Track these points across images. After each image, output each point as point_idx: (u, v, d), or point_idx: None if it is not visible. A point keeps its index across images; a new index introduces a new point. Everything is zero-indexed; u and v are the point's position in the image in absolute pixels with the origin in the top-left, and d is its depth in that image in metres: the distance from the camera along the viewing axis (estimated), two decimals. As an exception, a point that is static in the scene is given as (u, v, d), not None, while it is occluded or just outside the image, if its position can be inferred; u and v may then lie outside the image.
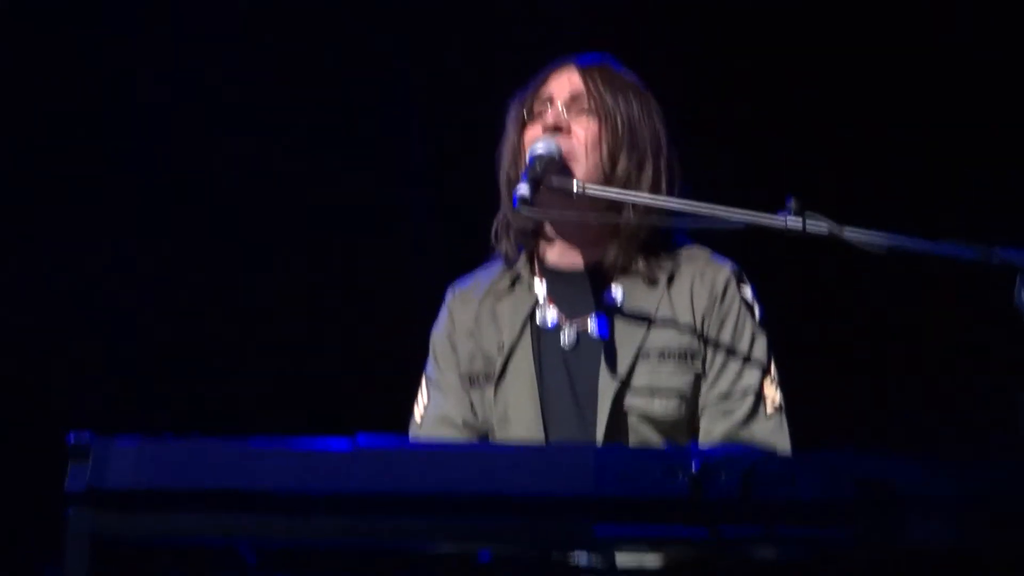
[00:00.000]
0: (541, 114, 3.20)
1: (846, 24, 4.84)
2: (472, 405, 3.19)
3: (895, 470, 2.16)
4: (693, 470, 2.19)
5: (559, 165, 3.10)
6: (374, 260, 5.01)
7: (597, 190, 3.07)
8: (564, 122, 3.17)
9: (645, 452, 2.35)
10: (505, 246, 3.25)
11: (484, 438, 3.17)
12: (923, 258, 2.66)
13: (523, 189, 3.00)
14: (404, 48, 5.05)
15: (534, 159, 3.08)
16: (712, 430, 3.09)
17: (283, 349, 4.95)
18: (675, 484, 2.20)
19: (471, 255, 3.41)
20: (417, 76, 5.06)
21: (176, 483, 2.20)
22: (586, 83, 3.20)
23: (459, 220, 4.68)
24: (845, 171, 4.77)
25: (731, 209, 2.80)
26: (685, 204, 2.95)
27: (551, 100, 3.21)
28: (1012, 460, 2.14)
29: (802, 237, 2.71)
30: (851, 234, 2.67)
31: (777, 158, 4.75)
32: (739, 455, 2.21)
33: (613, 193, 3.09)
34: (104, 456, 2.19)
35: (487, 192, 3.28)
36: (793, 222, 2.70)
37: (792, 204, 2.70)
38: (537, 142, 3.12)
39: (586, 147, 3.15)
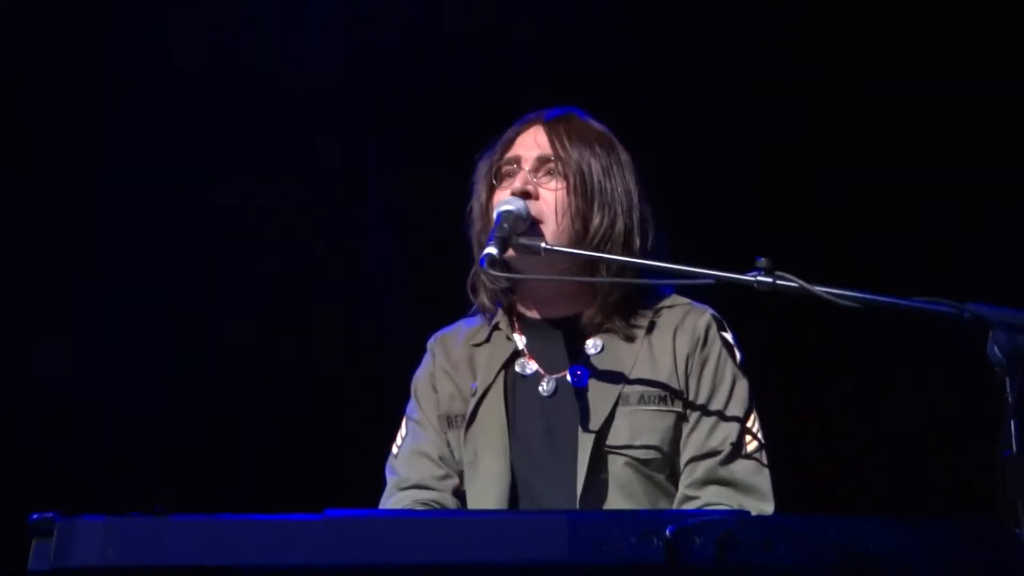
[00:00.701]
0: (509, 176, 3.19)
1: (817, 39, 4.86)
2: (449, 444, 3.19)
3: (872, 534, 2.14)
4: (668, 535, 2.17)
5: (527, 222, 3.09)
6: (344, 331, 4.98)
7: (564, 250, 3.05)
8: (532, 187, 3.16)
9: (619, 517, 2.32)
10: (483, 298, 3.25)
11: (460, 475, 3.17)
12: (895, 314, 2.65)
13: (491, 248, 2.98)
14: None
15: (501, 216, 3.07)
16: (694, 471, 3.07)
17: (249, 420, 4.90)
18: (650, 550, 2.17)
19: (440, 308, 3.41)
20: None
21: (143, 560, 2.16)
22: (552, 143, 3.19)
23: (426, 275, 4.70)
24: (816, 183, 4.77)
25: (701, 269, 2.79)
26: (656, 263, 2.96)
27: (518, 162, 3.20)
28: (993, 523, 2.13)
29: (774, 295, 2.70)
30: (822, 292, 2.66)
31: (749, 171, 4.74)
32: (715, 519, 2.19)
33: (580, 252, 3.07)
34: (69, 534, 2.16)
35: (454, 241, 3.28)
36: (764, 280, 2.69)
37: (763, 263, 2.70)
38: (504, 201, 3.10)
39: (555, 211, 3.14)
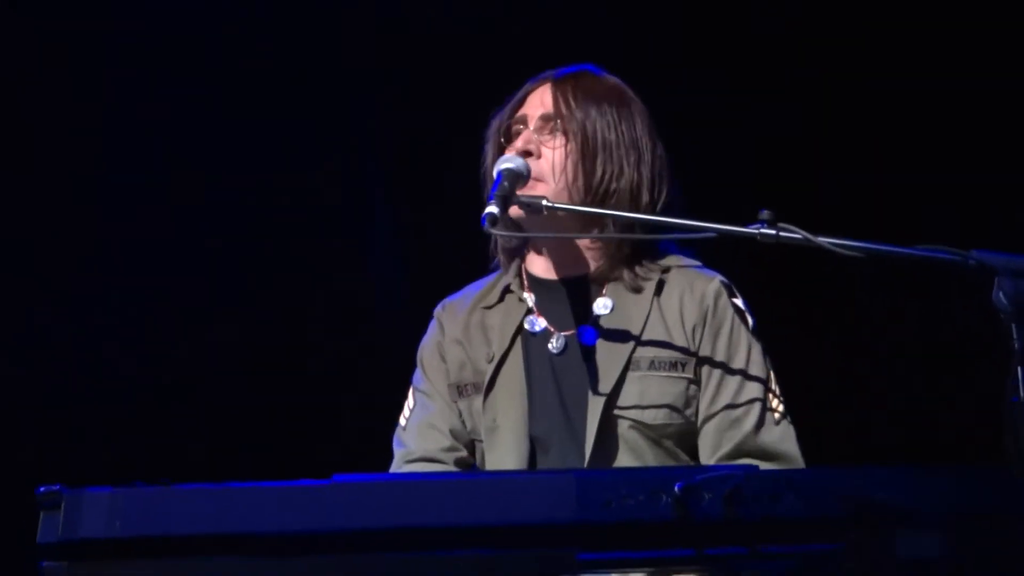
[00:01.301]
0: (517, 135, 3.18)
1: (817, 39, 4.84)
2: (460, 414, 3.17)
3: (880, 485, 2.14)
4: (676, 492, 2.17)
5: (528, 180, 3.08)
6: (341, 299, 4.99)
7: (565, 206, 3.04)
8: (534, 145, 3.14)
9: (627, 475, 2.32)
10: (503, 258, 3.25)
11: (470, 446, 3.15)
12: (900, 263, 2.64)
13: (491, 207, 2.97)
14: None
15: (502, 174, 3.05)
16: (720, 443, 3.05)
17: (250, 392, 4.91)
18: (659, 507, 2.17)
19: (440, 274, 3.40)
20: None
21: (151, 530, 2.16)
22: (556, 100, 3.17)
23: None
24: (816, 183, 4.76)
25: (703, 222, 2.78)
26: (658, 218, 2.96)
27: (525, 121, 3.18)
28: (1001, 470, 2.13)
29: (777, 246, 2.69)
30: (826, 242, 2.65)
31: (749, 171, 4.73)
32: (722, 475, 2.19)
33: (582, 208, 3.07)
34: (76, 506, 2.16)
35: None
36: (767, 232, 2.68)
37: (765, 215, 2.69)
38: (504, 159, 3.09)
39: (554, 168, 3.12)
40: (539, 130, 3.16)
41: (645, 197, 3.13)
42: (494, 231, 2.95)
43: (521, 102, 3.23)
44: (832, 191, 4.72)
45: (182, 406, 4.84)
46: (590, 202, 3.10)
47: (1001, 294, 2.47)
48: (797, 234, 2.67)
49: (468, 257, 3.38)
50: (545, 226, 3.10)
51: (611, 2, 4.89)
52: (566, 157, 3.13)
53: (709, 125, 4.76)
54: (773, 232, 2.68)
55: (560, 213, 3.05)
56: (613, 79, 3.25)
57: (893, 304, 4.60)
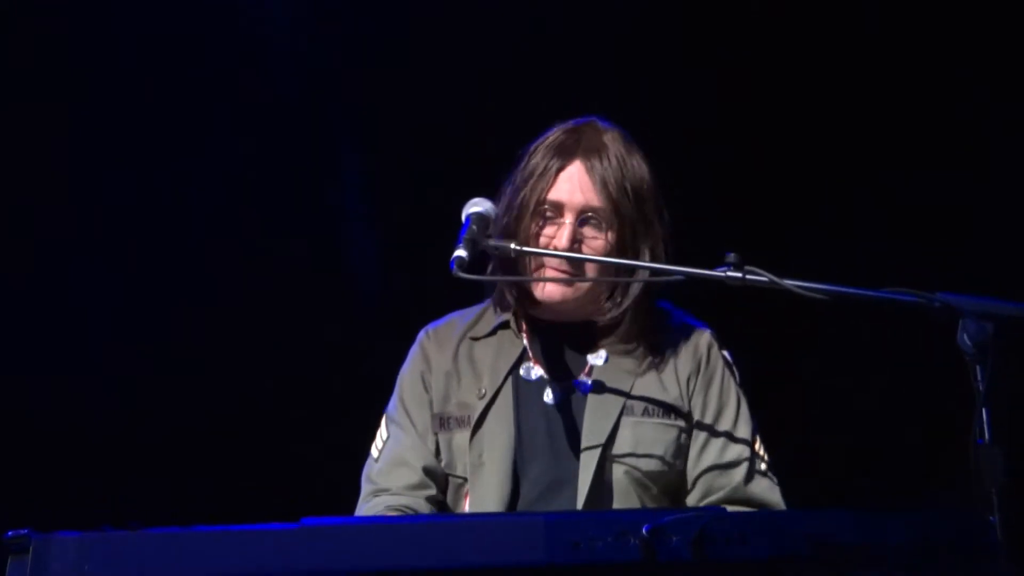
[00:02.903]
0: (552, 223, 3.13)
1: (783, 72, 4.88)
2: (437, 447, 3.16)
3: (847, 526, 2.15)
4: (644, 534, 2.17)
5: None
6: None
7: (535, 251, 3.06)
8: (578, 242, 3.12)
9: (595, 517, 2.33)
10: (501, 297, 3.23)
11: (442, 482, 3.14)
12: (865, 305, 2.67)
13: (460, 251, 2.97)
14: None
15: (470, 218, 3.06)
16: (710, 491, 3.10)
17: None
18: (627, 548, 2.18)
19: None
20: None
21: (119, 575, 2.16)
22: (597, 189, 3.13)
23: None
24: (782, 224, 4.79)
25: (671, 267, 2.82)
26: (628, 261, 3.00)
27: (561, 211, 3.14)
28: (967, 511, 2.14)
29: (743, 288, 2.72)
30: (792, 284, 2.67)
31: (712, 212, 4.75)
32: (690, 516, 2.20)
33: (553, 253, 3.08)
34: (44, 551, 2.16)
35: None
36: (734, 275, 2.71)
37: (732, 258, 2.72)
38: (473, 202, 3.09)
39: (595, 254, 3.11)
40: (579, 220, 3.12)
41: (660, 254, 3.14)
42: (462, 275, 2.96)
43: (552, 179, 3.15)
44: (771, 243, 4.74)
45: (148, 449, 4.81)
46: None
47: (966, 336, 2.50)
48: (763, 276, 2.70)
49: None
50: (516, 271, 3.12)
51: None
52: (605, 248, 3.11)
53: (702, 125, 4.78)
54: (739, 275, 2.71)
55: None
56: (618, 131, 3.23)
57: (858, 342, 4.63)
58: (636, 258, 3.12)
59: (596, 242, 3.13)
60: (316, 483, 4.43)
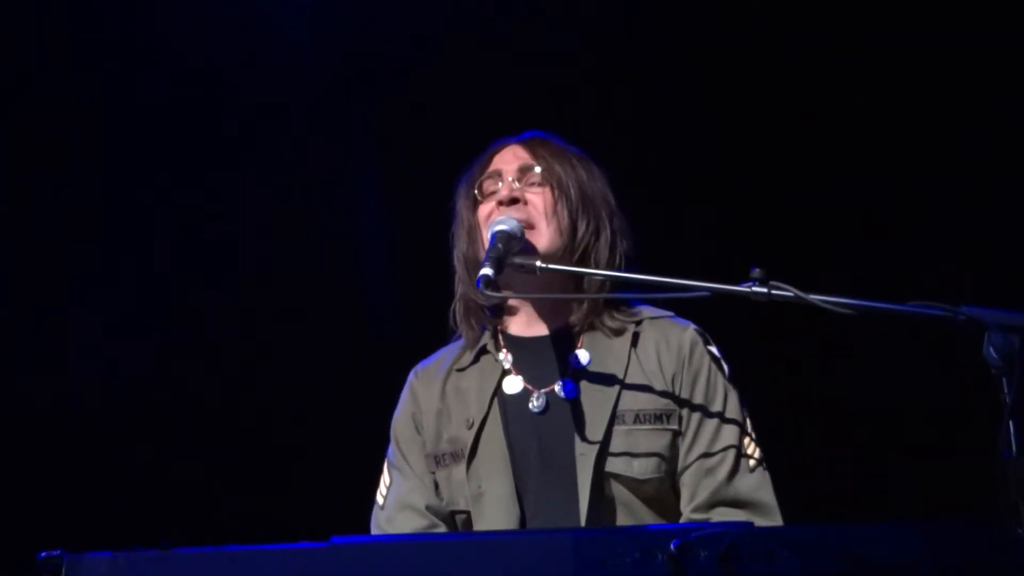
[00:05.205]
0: (492, 189, 3.21)
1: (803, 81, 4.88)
2: (437, 486, 3.16)
3: (875, 541, 2.15)
4: (672, 550, 2.17)
5: (521, 242, 3.10)
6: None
7: (559, 267, 3.07)
8: (519, 193, 3.17)
9: (622, 533, 2.32)
10: (464, 328, 3.24)
11: (448, 519, 3.14)
12: (891, 320, 2.67)
13: (486, 269, 2.99)
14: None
15: (495, 236, 3.08)
16: (696, 491, 3.07)
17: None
18: (655, 565, 2.18)
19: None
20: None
21: (151, 595, 2.18)
22: (532, 153, 3.22)
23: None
24: (809, 238, 4.79)
25: (695, 282, 2.82)
26: (651, 278, 2.96)
27: (500, 175, 3.22)
28: (994, 525, 2.14)
29: (769, 304, 2.72)
30: (817, 299, 2.67)
31: (741, 227, 4.75)
32: (717, 532, 2.20)
33: (577, 269, 3.11)
34: (76, 571, 2.18)
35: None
36: (759, 290, 2.71)
37: (757, 273, 2.71)
38: (497, 220, 3.11)
39: (544, 215, 3.16)
40: (518, 180, 3.20)
41: (619, 251, 3.18)
42: (488, 292, 2.97)
43: (489, 160, 3.26)
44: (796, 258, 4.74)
45: (178, 467, 4.83)
46: (572, 254, 3.14)
47: (991, 348, 2.50)
48: (788, 291, 2.70)
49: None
50: (532, 286, 3.13)
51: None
52: (554, 202, 3.16)
53: (699, 130, 4.79)
54: (765, 290, 2.71)
55: (548, 272, 3.07)
56: (573, 147, 3.30)
57: (884, 357, 4.62)
58: (590, 237, 3.15)
59: (537, 197, 3.17)
60: (345, 501, 4.43)
